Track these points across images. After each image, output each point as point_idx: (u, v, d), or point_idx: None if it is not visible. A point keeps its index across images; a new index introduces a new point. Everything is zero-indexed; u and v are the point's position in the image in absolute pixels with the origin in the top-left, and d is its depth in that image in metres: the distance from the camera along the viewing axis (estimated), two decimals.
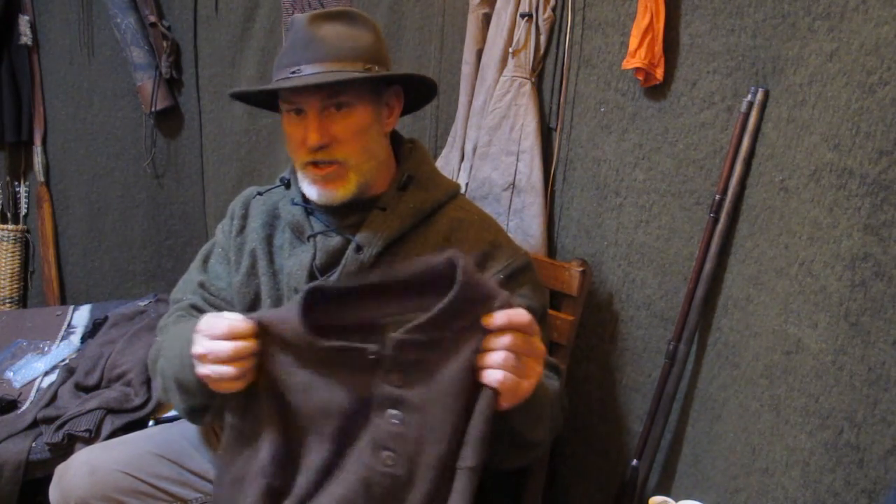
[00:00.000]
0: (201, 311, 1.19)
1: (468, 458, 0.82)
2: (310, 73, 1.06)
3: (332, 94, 1.06)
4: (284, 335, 0.87)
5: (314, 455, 0.89)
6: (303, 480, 0.89)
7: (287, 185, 1.21)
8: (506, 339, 0.81)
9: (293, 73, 1.07)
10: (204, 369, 0.88)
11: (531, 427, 0.95)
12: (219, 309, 1.20)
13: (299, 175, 1.13)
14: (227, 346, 0.86)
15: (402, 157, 1.20)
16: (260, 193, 1.23)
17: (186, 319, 1.14)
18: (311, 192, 1.12)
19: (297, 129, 1.09)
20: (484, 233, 1.16)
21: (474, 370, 0.83)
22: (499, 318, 0.81)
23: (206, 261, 1.26)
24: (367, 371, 0.86)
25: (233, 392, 0.89)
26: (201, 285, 1.23)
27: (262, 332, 0.88)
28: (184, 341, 0.96)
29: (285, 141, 1.16)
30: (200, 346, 0.89)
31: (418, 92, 1.19)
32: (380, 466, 0.86)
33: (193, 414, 1.06)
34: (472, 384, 0.83)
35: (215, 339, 0.87)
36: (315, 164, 1.09)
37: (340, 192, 1.10)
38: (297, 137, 1.10)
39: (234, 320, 0.87)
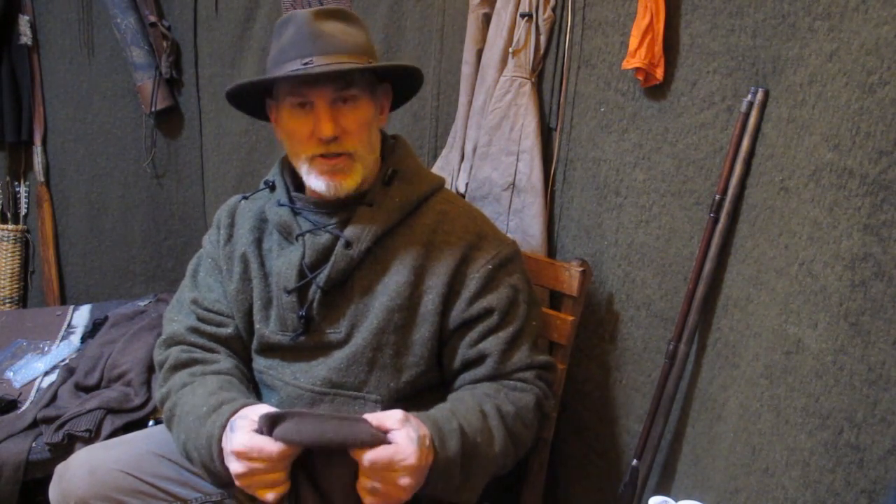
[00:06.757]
0: (199, 333, 1.22)
1: None
2: (323, 63, 1.08)
3: (343, 87, 1.09)
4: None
5: None
6: None
7: (272, 187, 1.23)
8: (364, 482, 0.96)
9: (305, 64, 1.08)
10: (244, 483, 0.98)
11: (457, 486, 1.04)
12: (215, 324, 1.22)
13: (305, 169, 1.14)
14: (268, 479, 0.97)
15: (386, 152, 1.22)
16: (245, 198, 1.26)
17: (196, 384, 1.14)
18: (319, 184, 1.13)
19: (304, 123, 1.11)
20: (470, 223, 1.19)
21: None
22: (367, 458, 0.94)
23: (195, 276, 1.28)
24: None
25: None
26: (194, 302, 1.24)
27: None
28: (209, 437, 1.03)
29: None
30: (239, 467, 0.97)
31: (403, 89, 1.24)
32: None
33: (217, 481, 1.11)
34: None
35: (255, 467, 0.96)
36: (324, 155, 1.11)
37: (347, 183, 1.13)
38: (304, 131, 1.11)
39: (270, 452, 0.95)
